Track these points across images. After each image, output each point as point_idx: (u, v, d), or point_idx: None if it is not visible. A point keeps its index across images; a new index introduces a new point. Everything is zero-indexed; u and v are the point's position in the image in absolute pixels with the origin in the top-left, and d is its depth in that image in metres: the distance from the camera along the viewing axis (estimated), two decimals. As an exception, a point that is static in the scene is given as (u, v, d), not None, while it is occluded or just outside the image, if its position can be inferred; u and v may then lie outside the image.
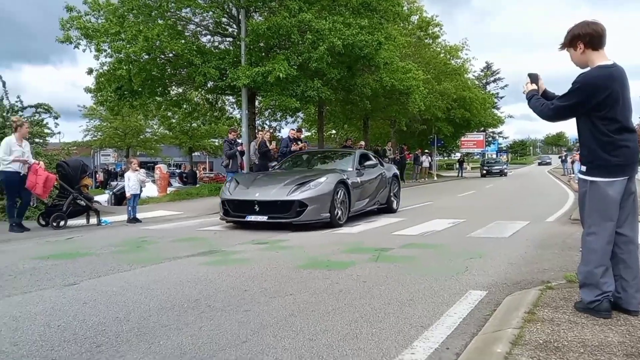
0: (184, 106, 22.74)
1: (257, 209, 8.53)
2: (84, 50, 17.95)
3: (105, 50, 17.86)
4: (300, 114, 29.89)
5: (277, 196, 8.50)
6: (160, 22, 17.71)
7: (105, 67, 19.09)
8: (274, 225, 8.55)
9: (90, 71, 19.35)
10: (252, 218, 8.53)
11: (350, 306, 3.86)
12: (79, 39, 17.44)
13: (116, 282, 4.71)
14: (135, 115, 36.29)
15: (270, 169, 12.38)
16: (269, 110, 26.90)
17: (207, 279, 4.81)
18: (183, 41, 17.65)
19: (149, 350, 2.96)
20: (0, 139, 9.37)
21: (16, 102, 12.45)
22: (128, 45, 16.87)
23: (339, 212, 8.87)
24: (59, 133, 13.75)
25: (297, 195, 8.37)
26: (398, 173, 12.28)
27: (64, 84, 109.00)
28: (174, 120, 28.35)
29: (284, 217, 8.36)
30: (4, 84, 12.28)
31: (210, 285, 4.57)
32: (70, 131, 57.68)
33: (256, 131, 18.73)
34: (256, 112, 22.61)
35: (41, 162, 9.06)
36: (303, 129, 23.39)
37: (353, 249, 6.57)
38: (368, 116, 29.61)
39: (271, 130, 23.76)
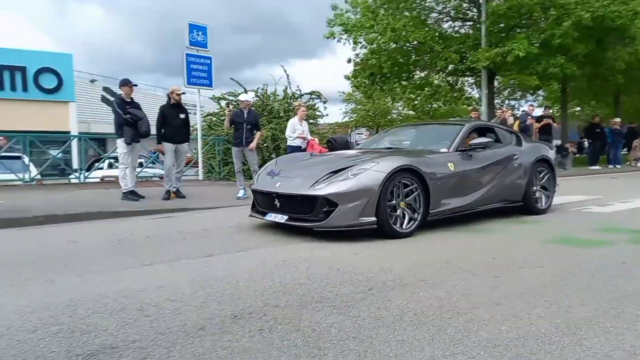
0: (426, 89, 22.89)
1: (278, 205, 5.62)
2: (344, 44, 19.61)
3: (360, 43, 19.15)
4: (541, 92, 27.33)
5: (298, 188, 5.39)
6: (406, 14, 18.09)
7: (359, 58, 20.61)
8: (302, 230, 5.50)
9: (349, 60, 21.22)
10: (271, 217, 5.59)
11: (608, 285, 3.44)
12: (340, 34, 19.02)
13: (379, 241, 5.01)
14: (384, 99, 37.98)
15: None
16: (508, 89, 25.29)
17: (456, 243, 4.82)
18: (426, 29, 17.72)
19: (411, 298, 3.11)
20: (287, 120, 11.03)
21: (296, 90, 14.55)
22: (379, 37, 17.70)
23: (401, 216, 5.27)
24: (327, 115, 15.77)
25: (323, 189, 5.11)
26: (550, 156, 7.39)
27: (326, 74, 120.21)
28: (417, 102, 28.80)
29: (307, 218, 5.21)
30: (287, 76, 14.53)
31: (459, 249, 4.57)
32: (331, 113, 63.38)
33: (494, 110, 17.90)
34: (495, 91, 21.53)
35: (315, 139, 10.25)
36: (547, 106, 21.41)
37: (606, 228, 5.77)
38: (620, 91, 25.59)
39: (511, 109, 22.33)
